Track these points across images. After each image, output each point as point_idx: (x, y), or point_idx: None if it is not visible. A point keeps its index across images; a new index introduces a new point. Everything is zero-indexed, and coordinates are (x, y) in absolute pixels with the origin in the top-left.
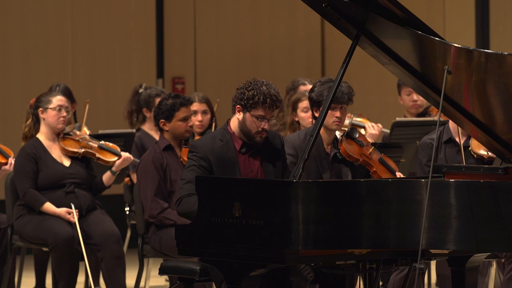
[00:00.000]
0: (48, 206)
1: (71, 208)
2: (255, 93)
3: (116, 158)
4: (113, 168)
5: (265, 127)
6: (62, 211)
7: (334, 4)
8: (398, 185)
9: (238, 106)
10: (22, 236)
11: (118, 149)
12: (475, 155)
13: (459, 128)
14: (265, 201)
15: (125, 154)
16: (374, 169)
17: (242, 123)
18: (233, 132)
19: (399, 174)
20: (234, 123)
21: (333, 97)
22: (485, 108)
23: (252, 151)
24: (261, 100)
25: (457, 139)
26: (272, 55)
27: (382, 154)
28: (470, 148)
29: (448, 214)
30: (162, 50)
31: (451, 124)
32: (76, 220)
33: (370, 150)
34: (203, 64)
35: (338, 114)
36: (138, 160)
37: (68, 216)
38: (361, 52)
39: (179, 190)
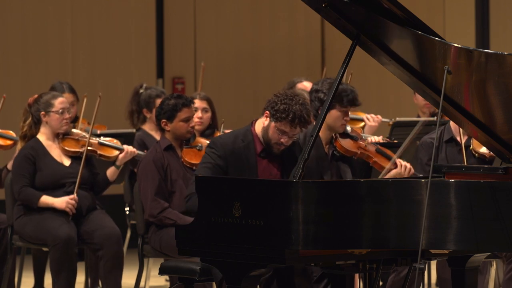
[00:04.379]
0: (45, 199)
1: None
2: (286, 108)
3: (118, 152)
4: (117, 162)
5: (285, 141)
6: (62, 202)
7: (334, 4)
8: (398, 185)
9: (267, 112)
10: (22, 236)
11: (119, 143)
12: (476, 154)
13: (460, 128)
14: (265, 201)
15: (127, 147)
16: (374, 159)
17: (265, 129)
18: (256, 134)
19: (398, 161)
20: (259, 126)
21: (333, 98)
22: (485, 108)
23: (272, 155)
24: (290, 118)
25: (458, 139)
26: (272, 55)
27: (378, 144)
28: (471, 148)
29: (448, 214)
30: (162, 50)
31: (452, 123)
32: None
33: (366, 142)
34: (204, 63)
35: (347, 118)
36: (141, 153)
37: (67, 209)
38: (361, 52)
39: (190, 185)
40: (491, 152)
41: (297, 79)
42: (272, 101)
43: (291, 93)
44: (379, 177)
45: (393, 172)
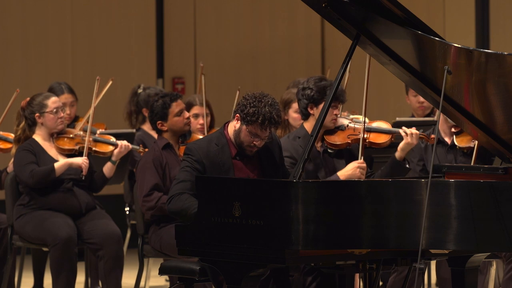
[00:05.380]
0: (60, 163)
1: (70, 209)
2: (256, 111)
3: (113, 148)
4: (113, 158)
5: (258, 143)
6: (78, 159)
7: (334, 4)
8: (398, 185)
9: (237, 115)
10: (22, 236)
11: (114, 139)
12: (464, 150)
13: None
14: (265, 201)
15: (121, 142)
16: (368, 140)
17: (237, 133)
18: (230, 138)
19: (403, 130)
20: (231, 129)
21: (333, 97)
22: (485, 108)
23: (248, 157)
24: (259, 120)
25: (446, 139)
26: (272, 55)
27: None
28: (458, 147)
29: (448, 214)
30: (162, 50)
31: (440, 125)
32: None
33: (353, 127)
34: (203, 64)
35: (337, 112)
36: (137, 147)
37: (83, 166)
38: (361, 52)
39: (170, 190)
40: (474, 142)
41: (302, 79)
42: (242, 104)
43: (260, 95)
44: (396, 154)
45: (402, 143)
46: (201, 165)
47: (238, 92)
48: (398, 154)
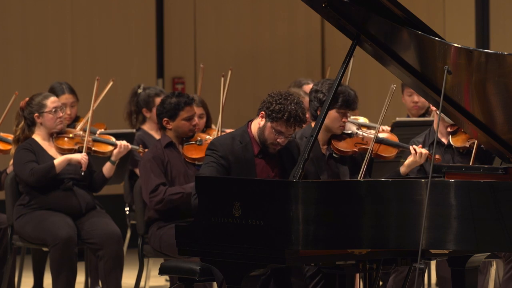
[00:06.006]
0: (59, 160)
1: (70, 209)
2: (282, 108)
3: (112, 148)
4: (112, 158)
5: (281, 141)
6: (77, 155)
7: (334, 4)
8: (398, 185)
9: (262, 112)
10: (22, 236)
11: (113, 139)
12: (461, 150)
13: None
14: (265, 201)
15: (121, 142)
16: (375, 151)
17: (261, 130)
18: (253, 136)
19: (413, 148)
20: (255, 127)
21: (333, 97)
22: (485, 108)
23: (270, 156)
24: (285, 117)
25: (443, 140)
26: (272, 55)
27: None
28: (453, 146)
29: (448, 214)
30: (162, 50)
31: (435, 125)
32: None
33: (361, 135)
34: (203, 64)
35: (346, 120)
36: (137, 147)
37: (82, 161)
38: (361, 52)
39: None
40: (469, 141)
41: (303, 80)
42: (267, 101)
43: (286, 93)
44: (401, 169)
45: (409, 161)
46: (226, 161)
47: (223, 79)
48: (403, 170)
